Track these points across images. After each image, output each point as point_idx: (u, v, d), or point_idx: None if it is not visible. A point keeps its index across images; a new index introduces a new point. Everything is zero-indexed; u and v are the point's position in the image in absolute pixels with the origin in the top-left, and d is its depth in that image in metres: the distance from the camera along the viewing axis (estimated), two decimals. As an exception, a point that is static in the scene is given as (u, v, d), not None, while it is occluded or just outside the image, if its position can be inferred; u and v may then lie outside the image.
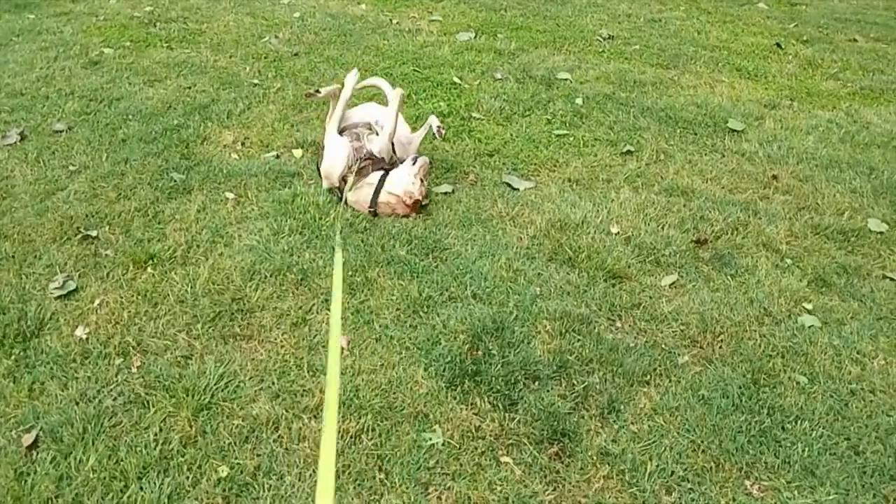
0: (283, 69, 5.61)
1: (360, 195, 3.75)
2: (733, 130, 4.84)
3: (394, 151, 3.97)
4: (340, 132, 3.96)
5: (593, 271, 3.36)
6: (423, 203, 3.71)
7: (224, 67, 5.60)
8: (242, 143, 4.49)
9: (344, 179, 3.75)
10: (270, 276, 3.26)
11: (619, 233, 3.68)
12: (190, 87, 5.21)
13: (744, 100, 5.40)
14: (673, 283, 3.31)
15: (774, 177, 4.29)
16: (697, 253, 3.55)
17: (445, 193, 4.02)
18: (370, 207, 3.70)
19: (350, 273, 3.29)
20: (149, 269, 3.27)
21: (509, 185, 4.12)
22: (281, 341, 2.90)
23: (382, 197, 3.70)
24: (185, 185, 3.96)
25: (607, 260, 3.42)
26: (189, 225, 3.62)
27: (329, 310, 3.03)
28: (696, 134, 4.79)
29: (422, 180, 3.73)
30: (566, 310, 3.10)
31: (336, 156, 3.80)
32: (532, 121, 4.95)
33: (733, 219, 3.84)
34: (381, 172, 3.76)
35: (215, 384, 2.66)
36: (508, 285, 3.25)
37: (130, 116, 4.72)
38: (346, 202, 3.75)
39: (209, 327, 2.95)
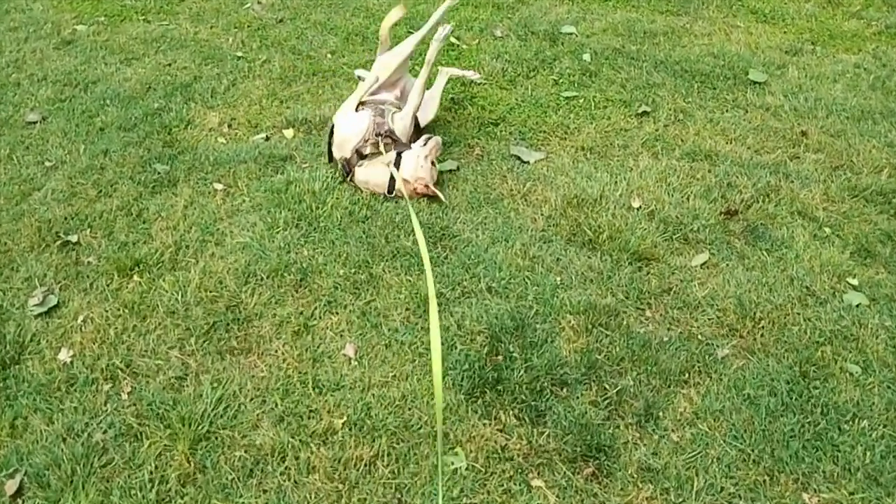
0: (267, 38, 5.22)
1: (370, 175, 3.46)
2: (755, 82, 4.48)
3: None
4: (360, 104, 3.68)
5: (617, 253, 3.08)
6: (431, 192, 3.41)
7: (205, 40, 5.21)
8: (229, 125, 4.16)
9: (359, 153, 3.45)
10: (267, 277, 2.98)
11: (641, 207, 3.37)
12: (170, 65, 4.84)
13: (763, 47, 5.01)
14: (704, 262, 3.03)
15: (804, 133, 3.96)
16: (728, 226, 3.25)
17: (450, 171, 3.70)
18: (388, 192, 3.42)
19: (352, 270, 3.01)
20: (135, 277, 2.99)
21: (518, 157, 3.80)
22: (282, 353, 2.65)
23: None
24: (169, 178, 3.65)
25: (631, 240, 3.13)
26: (176, 223, 3.33)
27: (332, 315, 2.77)
28: (714, 88, 4.43)
29: (433, 162, 3.42)
30: (591, 301, 2.83)
31: (353, 127, 3.50)
32: (538, 82, 4.59)
33: (763, 184, 3.53)
34: (395, 154, 3.46)
35: (213, 409, 2.42)
36: (526, 275, 2.97)
37: (108, 101, 4.37)
38: (351, 179, 3.46)
39: (204, 341, 2.69)
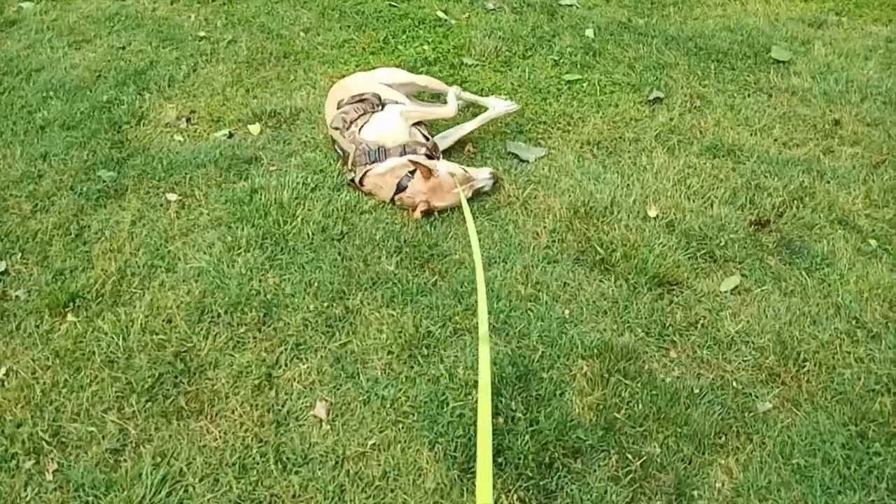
0: (234, 15, 4.65)
1: (384, 181, 2.98)
2: (778, 61, 3.98)
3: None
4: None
5: (633, 276, 2.62)
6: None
7: (164, 18, 4.64)
8: (188, 120, 3.64)
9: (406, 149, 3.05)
10: (225, 313, 2.52)
11: (658, 216, 2.91)
12: (124, 48, 4.28)
13: (783, 19, 4.49)
14: (735, 287, 2.58)
15: (836, 122, 3.48)
16: (759, 239, 2.80)
17: (439, 172, 3.21)
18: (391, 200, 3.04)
19: (325, 303, 2.55)
20: (69, 317, 2.52)
21: (516, 155, 3.31)
22: (240, 415, 2.20)
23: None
24: (116, 187, 3.15)
25: (649, 258, 2.67)
26: (121, 244, 2.84)
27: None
28: (734, 69, 3.93)
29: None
30: (605, 339, 2.38)
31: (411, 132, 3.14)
32: (536, 63, 4.07)
33: (795, 185, 3.07)
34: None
35: (154, 495, 1.97)
36: (528, 306, 2.52)
37: (52, 93, 3.83)
38: (355, 182, 3.03)
39: (147, 400, 2.24)
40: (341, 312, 2.51)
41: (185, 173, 3.22)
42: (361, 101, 3.20)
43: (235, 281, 2.64)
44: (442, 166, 2.92)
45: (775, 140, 3.39)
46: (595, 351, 2.33)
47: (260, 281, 2.65)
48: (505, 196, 3.06)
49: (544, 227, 2.87)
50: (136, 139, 3.47)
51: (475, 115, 3.42)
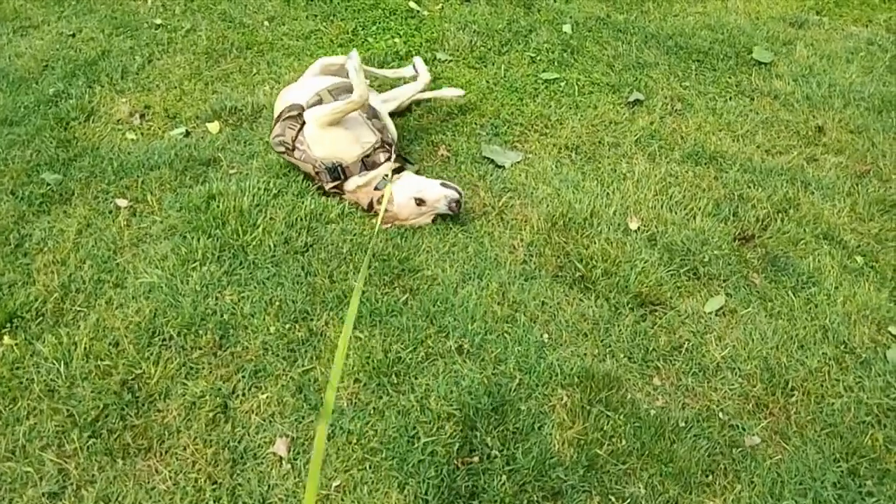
0: (193, 1, 4.37)
1: (358, 197, 2.82)
2: (759, 63, 3.85)
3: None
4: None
5: (615, 295, 2.48)
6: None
7: (118, 2, 4.35)
8: (141, 116, 3.39)
9: (364, 163, 2.83)
10: (178, 335, 2.32)
11: (639, 229, 2.77)
12: (74, 35, 3.99)
13: (764, 17, 4.37)
14: (720, 308, 2.46)
15: (819, 128, 3.38)
16: (743, 254, 2.68)
17: (410, 178, 3.03)
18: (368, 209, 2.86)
19: (287, 324, 2.36)
20: (6, 339, 2.30)
21: (492, 160, 3.14)
22: (192, 452, 2.01)
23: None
24: (61, 191, 2.90)
25: (631, 276, 2.54)
26: (66, 255, 2.61)
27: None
28: (715, 70, 3.80)
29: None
30: (586, 366, 2.24)
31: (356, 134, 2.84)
32: (512, 60, 3.89)
33: (780, 196, 2.95)
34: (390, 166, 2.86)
35: (95, 548, 1.78)
36: (505, 329, 2.36)
37: (-7, 84, 3.54)
38: (334, 189, 2.84)
39: (89, 436, 2.04)
40: (304, 335, 2.33)
41: (137, 176, 2.99)
42: (290, 116, 2.93)
43: (190, 299, 2.44)
44: (400, 191, 2.71)
45: (758, 147, 3.27)
46: (575, 379, 2.19)
47: (216, 299, 2.45)
48: (480, 204, 2.89)
49: (521, 241, 2.71)
50: (85, 137, 3.22)
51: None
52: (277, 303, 2.43)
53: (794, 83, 3.69)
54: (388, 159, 2.82)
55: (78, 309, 2.42)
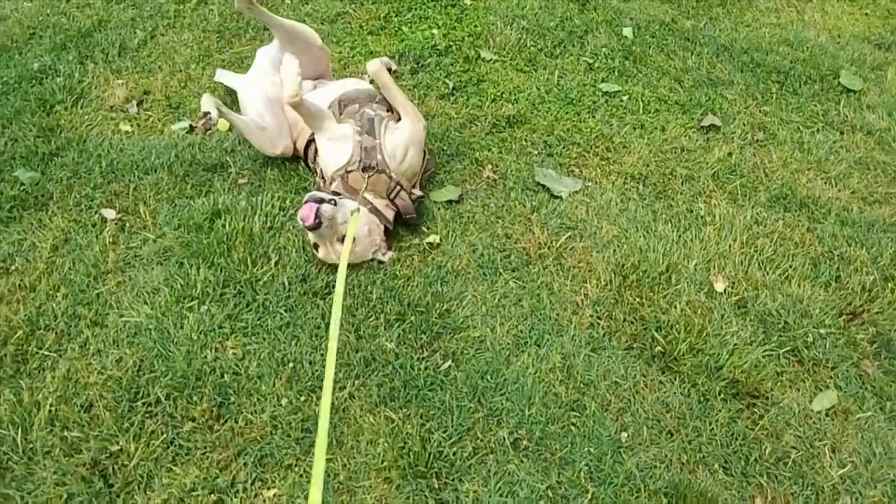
0: (207, -31, 3.81)
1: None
2: (848, 91, 3.35)
3: None
4: (341, 111, 2.47)
5: (704, 380, 2.01)
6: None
7: (121, -36, 3.77)
8: (139, 104, 2.87)
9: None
10: (166, 398, 1.84)
11: (727, 292, 2.29)
12: (68, 0, 3.45)
13: (846, 35, 3.85)
14: (831, 408, 1.99)
15: (923, 174, 2.88)
16: (852, 334, 2.21)
17: (450, 204, 2.54)
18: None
19: (302, 393, 1.88)
20: (-51, 391, 1.81)
21: (547, 188, 2.65)
22: (177, 572, 1.54)
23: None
24: (37, 193, 2.40)
25: (721, 355, 2.07)
26: (36, 279, 2.12)
27: None
28: (797, 95, 3.29)
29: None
30: (674, 479, 1.78)
31: (330, 152, 2.32)
32: (566, 65, 3.37)
33: (886, 259, 2.48)
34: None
35: None
36: (571, 417, 1.90)
37: (-32, 51, 3.01)
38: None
39: (44, 540, 1.56)
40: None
41: (129, 181, 2.48)
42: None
43: (184, 349, 1.96)
44: (364, 224, 2.20)
45: (853, 192, 2.79)
46: (663, 498, 1.72)
47: (216, 351, 1.97)
48: (535, 245, 2.40)
49: (586, 297, 2.23)
50: (71, 126, 2.70)
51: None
52: (291, 363, 1.95)
53: (888, 118, 3.20)
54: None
55: (45, 354, 1.94)
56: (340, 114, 2.43)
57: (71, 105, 2.80)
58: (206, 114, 2.35)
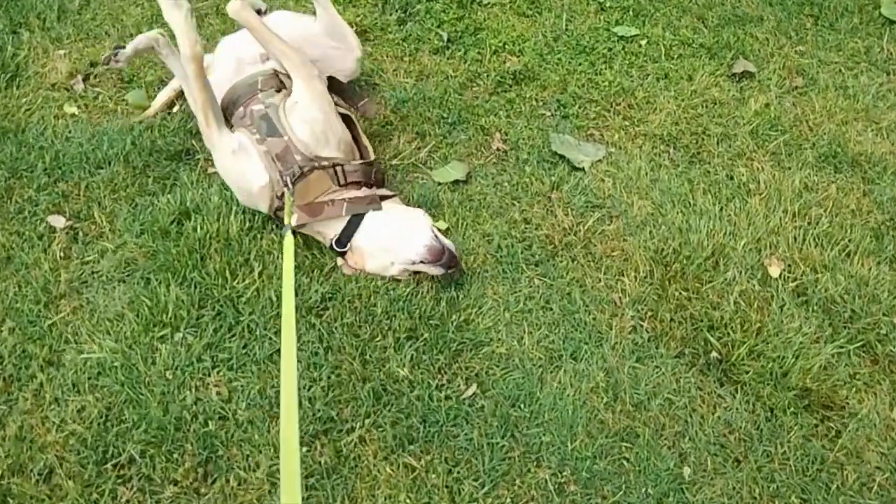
0: None
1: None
2: (891, 21, 2.94)
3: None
4: (227, 118, 1.99)
5: (768, 391, 1.72)
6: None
7: None
8: (85, 78, 2.43)
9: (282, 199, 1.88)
10: (141, 455, 1.52)
11: (782, 276, 1.97)
12: (-8, -48, 2.91)
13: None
14: (918, 415, 1.70)
15: (984, 119, 2.53)
16: (927, 320, 1.90)
17: (455, 184, 2.17)
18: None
19: (306, 445, 1.56)
20: None
21: (566, 158, 2.28)
22: None
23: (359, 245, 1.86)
24: (-32, 201, 2.00)
25: (786, 357, 1.76)
26: (-27, 311, 1.75)
27: None
28: (835, 30, 2.89)
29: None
30: (748, 521, 1.49)
31: (251, 183, 1.87)
32: (574, 5, 2.94)
33: (954, 224, 2.15)
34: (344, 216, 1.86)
35: None
36: (622, 450, 1.60)
37: None
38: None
39: None
40: (329, 460, 1.54)
41: (79, 178, 2.08)
42: None
43: (158, 390, 1.62)
44: (368, 236, 1.83)
45: (908, 145, 2.44)
46: (737, 547, 1.44)
47: (197, 390, 1.64)
48: (559, 230, 2.05)
49: (623, 293, 1.90)
50: (6, 112, 2.28)
51: None
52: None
53: (939, 51, 2.81)
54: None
55: (-10, 408, 1.59)
56: (228, 120, 1.96)
57: (5, 86, 2.36)
58: (117, 48, 1.94)
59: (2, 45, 2.49)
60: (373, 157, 2.00)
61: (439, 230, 1.89)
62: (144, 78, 2.44)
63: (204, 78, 1.84)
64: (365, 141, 2.02)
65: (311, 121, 1.84)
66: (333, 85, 2.07)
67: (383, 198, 1.89)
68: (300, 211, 1.80)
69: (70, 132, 2.22)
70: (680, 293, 1.90)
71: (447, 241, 1.80)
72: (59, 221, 1.97)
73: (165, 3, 1.81)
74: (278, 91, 1.94)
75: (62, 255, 1.90)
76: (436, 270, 1.79)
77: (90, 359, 1.68)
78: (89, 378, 1.66)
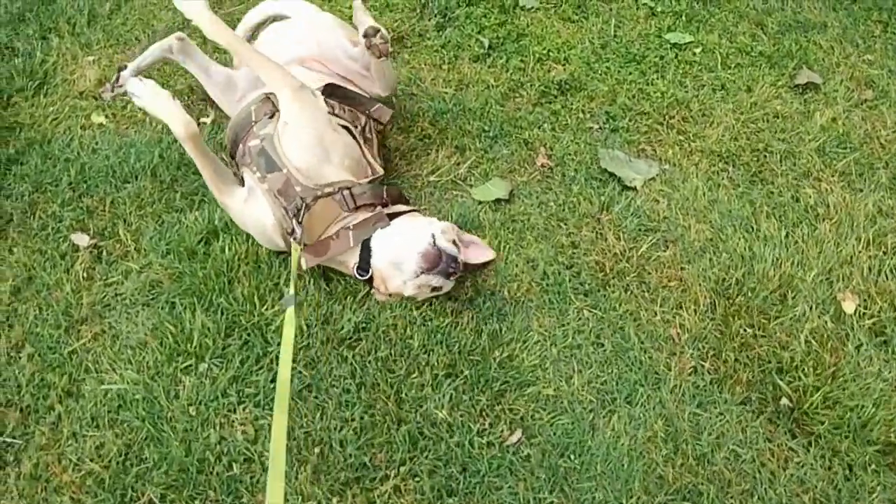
0: None
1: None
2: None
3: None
4: (233, 154, 1.87)
5: (845, 445, 1.54)
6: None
7: None
8: (113, 86, 2.32)
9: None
10: (163, 501, 1.40)
11: (858, 312, 1.78)
12: (24, -45, 2.83)
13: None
14: None
15: None
16: None
17: (497, 204, 2.02)
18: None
19: (331, 489, 1.43)
20: None
21: (616, 177, 2.11)
22: None
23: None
24: (-9, 216, 1.91)
25: (866, 407, 1.59)
26: (-9, 336, 1.66)
27: None
28: (905, 36, 2.67)
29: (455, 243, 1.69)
30: None
31: (265, 225, 1.75)
32: (623, 10, 2.77)
33: None
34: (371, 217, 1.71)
35: None
36: (682, 509, 1.43)
37: None
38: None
39: None
40: (363, 511, 1.40)
41: (105, 192, 1.98)
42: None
43: (181, 427, 1.51)
44: (381, 250, 1.67)
45: None
46: None
47: (221, 428, 1.52)
48: (610, 255, 1.89)
49: (682, 328, 1.74)
50: (32, 122, 2.19)
51: None
52: (317, 446, 1.49)
53: None
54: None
55: (6, 442, 1.49)
56: (234, 159, 1.84)
57: (32, 94, 2.27)
58: (119, 69, 1.84)
59: (31, 51, 2.41)
60: (381, 171, 1.84)
61: (456, 241, 1.70)
62: (175, 86, 2.33)
63: (203, 151, 1.72)
64: (370, 156, 1.85)
65: (304, 139, 1.68)
66: (335, 92, 1.90)
67: (394, 215, 1.72)
68: (307, 254, 1.66)
69: (97, 143, 2.12)
70: (744, 330, 1.73)
71: (448, 246, 1.60)
72: (82, 240, 1.87)
73: (147, 105, 1.72)
74: (272, 116, 1.77)
75: (85, 275, 1.80)
76: (438, 281, 1.61)
77: (111, 390, 1.58)
78: (109, 411, 1.55)
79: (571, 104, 2.37)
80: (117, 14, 2.59)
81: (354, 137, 1.81)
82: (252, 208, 1.71)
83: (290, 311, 1.49)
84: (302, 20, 2.13)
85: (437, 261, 1.57)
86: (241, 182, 1.79)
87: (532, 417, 1.57)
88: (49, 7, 2.59)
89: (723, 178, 2.14)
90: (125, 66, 1.89)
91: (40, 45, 2.44)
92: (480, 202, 2.03)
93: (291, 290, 1.57)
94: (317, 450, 1.49)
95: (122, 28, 2.54)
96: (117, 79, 1.87)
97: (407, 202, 1.82)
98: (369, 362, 1.63)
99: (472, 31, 2.61)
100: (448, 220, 1.97)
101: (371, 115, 1.91)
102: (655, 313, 1.77)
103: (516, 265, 1.87)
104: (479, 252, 1.72)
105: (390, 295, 1.70)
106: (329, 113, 1.76)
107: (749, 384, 1.64)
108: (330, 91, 1.84)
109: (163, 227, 1.90)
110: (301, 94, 1.71)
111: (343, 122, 1.79)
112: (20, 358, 1.64)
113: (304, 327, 1.68)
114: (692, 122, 2.32)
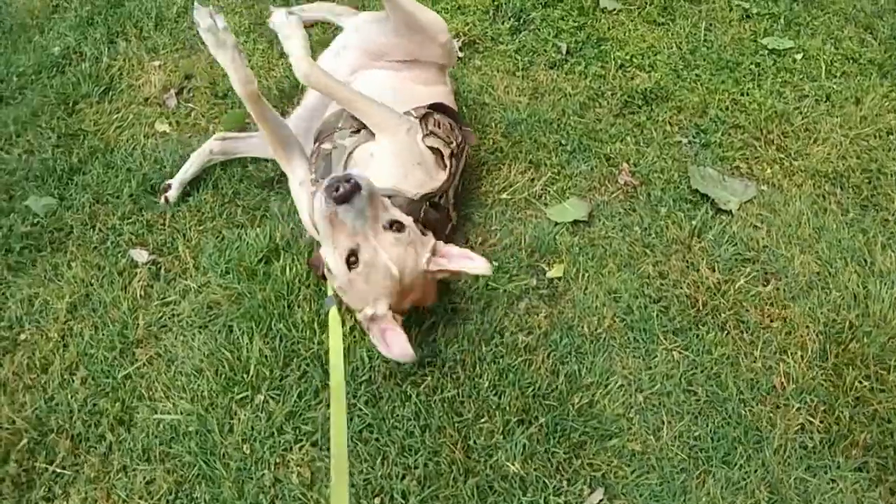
0: None
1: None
2: None
3: None
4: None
5: None
6: None
7: None
8: (178, 92, 2.26)
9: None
10: (210, 550, 1.29)
11: None
12: (96, -42, 2.81)
13: None
14: None
15: None
16: None
17: (575, 225, 1.84)
18: None
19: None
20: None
21: (709, 199, 1.90)
22: None
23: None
24: (54, 228, 1.86)
25: None
26: (49, 354, 1.61)
27: None
28: None
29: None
30: None
31: (301, 208, 1.74)
32: (714, 13, 2.53)
33: None
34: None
35: None
36: None
37: (-19, 33, 2.46)
38: None
39: None
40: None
41: (164, 208, 1.89)
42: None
43: (234, 466, 1.40)
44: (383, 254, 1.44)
45: None
46: None
47: (276, 468, 1.40)
48: (703, 289, 1.69)
49: (787, 377, 1.52)
50: (96, 128, 2.13)
51: None
52: (377, 496, 1.36)
53: None
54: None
55: (56, 472, 1.42)
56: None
57: (97, 100, 2.22)
58: (167, 186, 1.88)
59: (98, 56, 2.37)
60: (453, 220, 1.74)
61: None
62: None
63: (263, 111, 1.67)
64: (451, 195, 1.71)
65: (384, 173, 1.56)
66: (439, 108, 1.78)
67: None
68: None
69: (159, 153, 2.05)
70: (860, 382, 1.51)
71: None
72: (141, 256, 1.79)
73: (211, 43, 1.61)
74: (357, 132, 1.65)
75: (142, 293, 1.72)
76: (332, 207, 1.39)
77: (164, 421, 1.48)
78: (161, 444, 1.46)
79: (657, 116, 2.16)
80: (183, 17, 2.52)
81: (443, 161, 1.67)
82: (298, 195, 1.71)
83: (333, 310, 1.42)
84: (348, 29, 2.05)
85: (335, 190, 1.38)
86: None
87: (615, 475, 1.39)
88: (117, 10, 2.54)
89: (830, 203, 1.91)
90: (170, 186, 1.89)
91: (107, 50, 2.39)
92: (557, 223, 1.87)
93: (330, 291, 1.47)
94: (377, 500, 1.35)
95: (189, 32, 2.47)
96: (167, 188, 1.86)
97: (438, 233, 1.61)
98: (434, 402, 1.49)
99: (549, 34, 2.44)
100: (521, 243, 1.81)
101: (462, 132, 1.79)
102: (756, 359, 1.56)
103: (596, 296, 1.69)
104: (468, 263, 1.50)
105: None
106: (426, 135, 1.64)
107: (866, 447, 1.42)
108: (433, 107, 1.74)
109: (223, 244, 1.81)
110: (399, 136, 1.61)
111: (435, 145, 1.66)
112: (73, 381, 1.57)
113: (366, 359, 1.55)
114: (793, 138, 2.08)
